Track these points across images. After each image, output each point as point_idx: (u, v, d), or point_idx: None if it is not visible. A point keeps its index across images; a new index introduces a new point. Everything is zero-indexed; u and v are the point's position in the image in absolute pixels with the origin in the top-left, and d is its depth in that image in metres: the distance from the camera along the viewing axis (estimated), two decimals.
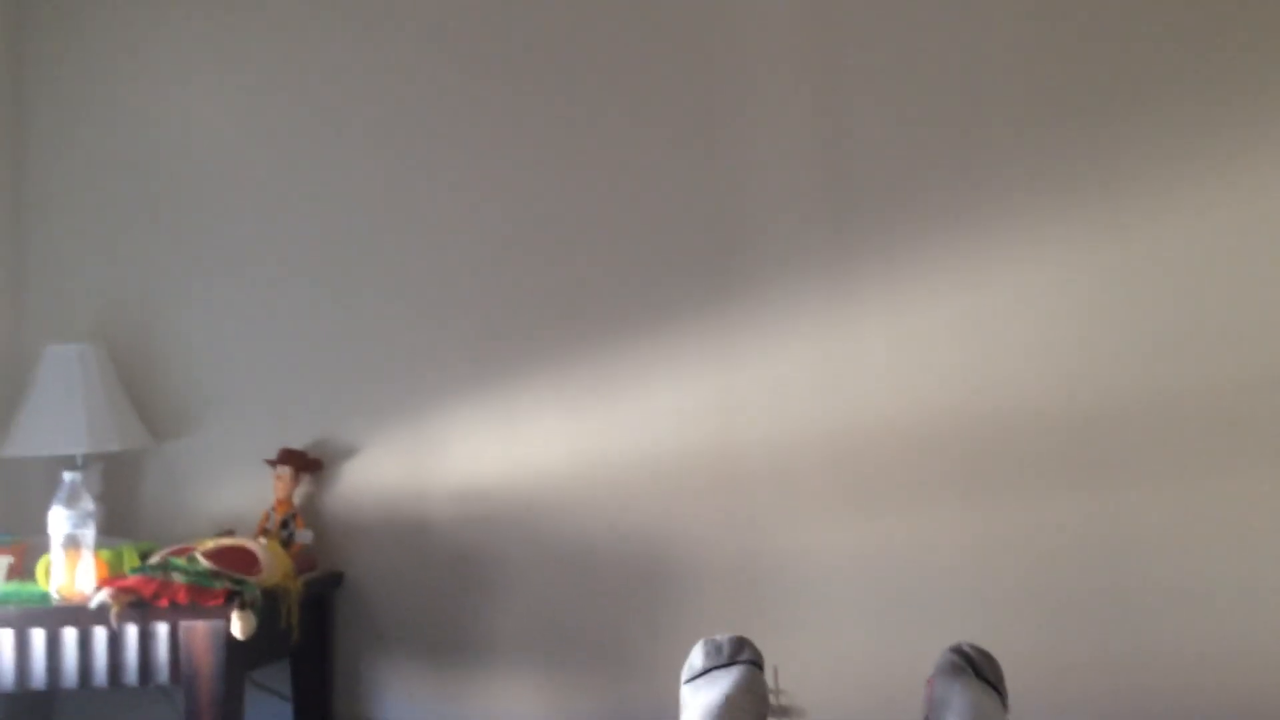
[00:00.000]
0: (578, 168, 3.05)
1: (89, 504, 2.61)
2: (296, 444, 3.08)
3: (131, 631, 2.55)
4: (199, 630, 2.52)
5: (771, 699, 1.94)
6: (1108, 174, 2.83)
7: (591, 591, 2.98)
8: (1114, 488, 2.78)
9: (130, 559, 2.72)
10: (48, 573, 2.61)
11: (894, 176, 2.92)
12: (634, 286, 3.01)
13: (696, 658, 1.96)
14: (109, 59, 3.26)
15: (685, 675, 1.95)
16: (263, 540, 2.82)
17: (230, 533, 2.97)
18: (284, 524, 2.98)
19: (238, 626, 2.51)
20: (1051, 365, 2.82)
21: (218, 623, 2.52)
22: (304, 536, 2.97)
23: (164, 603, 2.53)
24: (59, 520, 2.57)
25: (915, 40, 2.92)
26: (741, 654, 1.95)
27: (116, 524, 3.07)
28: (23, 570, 2.76)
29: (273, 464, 3.01)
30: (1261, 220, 2.76)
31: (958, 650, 1.91)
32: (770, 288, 2.95)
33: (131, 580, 2.56)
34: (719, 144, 3.00)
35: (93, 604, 2.52)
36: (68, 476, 2.61)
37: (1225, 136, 2.78)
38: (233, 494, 3.10)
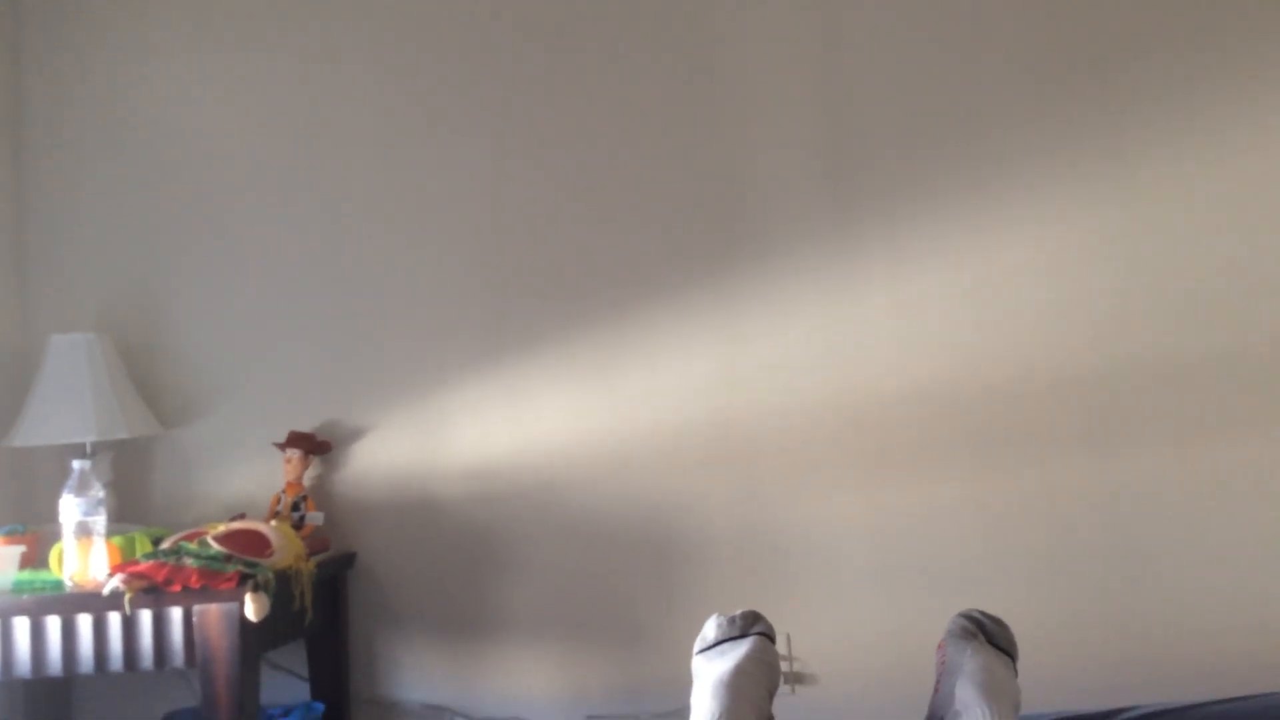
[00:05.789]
0: (580, 146, 3.05)
1: (99, 491, 2.61)
2: (305, 426, 3.08)
3: (145, 616, 2.56)
4: (213, 613, 2.53)
5: (784, 667, 1.95)
6: (1115, 134, 2.81)
7: (602, 565, 2.99)
8: (1124, 452, 2.78)
9: (142, 545, 2.73)
10: (61, 560, 2.62)
11: (896, 144, 2.90)
12: (638, 262, 3.01)
13: (709, 630, 1.96)
14: (107, 46, 3.24)
15: (698, 647, 1.95)
16: (274, 523, 2.83)
17: (241, 516, 2.98)
18: (295, 506, 2.99)
19: (251, 608, 2.52)
20: (1059, 330, 2.81)
21: (231, 605, 2.53)
22: (315, 518, 2.98)
23: (176, 587, 2.54)
24: (70, 508, 2.58)
25: (916, 2, 2.90)
26: (754, 627, 1.95)
27: (127, 511, 3.08)
28: (36, 559, 2.77)
29: (281, 447, 3.02)
30: (1273, 180, 2.74)
31: (968, 616, 1.91)
32: (774, 259, 2.94)
33: (144, 566, 2.57)
34: (722, 118, 2.98)
35: (106, 590, 2.53)
36: (77, 464, 2.61)
37: (1236, 95, 2.75)
38: (243, 478, 3.11)
